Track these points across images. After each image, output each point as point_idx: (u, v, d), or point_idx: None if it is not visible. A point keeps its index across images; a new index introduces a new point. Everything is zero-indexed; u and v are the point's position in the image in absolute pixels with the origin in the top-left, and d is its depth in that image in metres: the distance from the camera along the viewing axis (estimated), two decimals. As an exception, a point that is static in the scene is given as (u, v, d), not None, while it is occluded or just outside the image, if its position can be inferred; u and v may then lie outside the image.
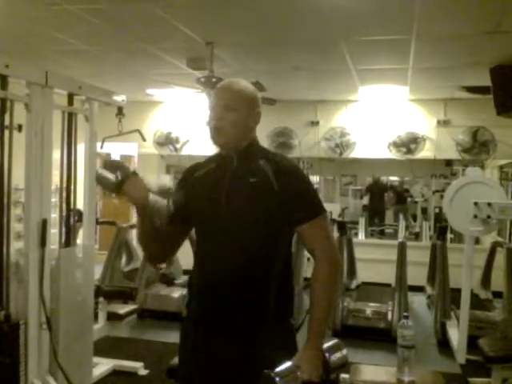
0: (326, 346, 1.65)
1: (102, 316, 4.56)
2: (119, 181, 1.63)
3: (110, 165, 1.68)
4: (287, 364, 1.55)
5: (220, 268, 1.66)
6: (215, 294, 1.67)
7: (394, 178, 12.39)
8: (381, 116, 7.32)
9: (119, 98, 3.91)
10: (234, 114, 1.68)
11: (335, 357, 1.64)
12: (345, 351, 1.70)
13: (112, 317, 4.64)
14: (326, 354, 1.63)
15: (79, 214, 3.76)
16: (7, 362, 2.88)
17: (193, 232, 1.82)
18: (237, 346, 1.64)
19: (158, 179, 8.87)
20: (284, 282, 1.71)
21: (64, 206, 3.45)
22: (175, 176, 9.31)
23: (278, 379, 1.48)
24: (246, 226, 1.65)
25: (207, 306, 1.69)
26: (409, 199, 11.48)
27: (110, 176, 1.63)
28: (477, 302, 5.35)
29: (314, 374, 1.55)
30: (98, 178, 1.68)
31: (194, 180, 1.78)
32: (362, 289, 6.45)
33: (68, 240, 3.44)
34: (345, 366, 1.70)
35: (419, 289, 6.59)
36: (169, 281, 6.19)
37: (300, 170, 1.79)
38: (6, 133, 2.92)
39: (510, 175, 8.04)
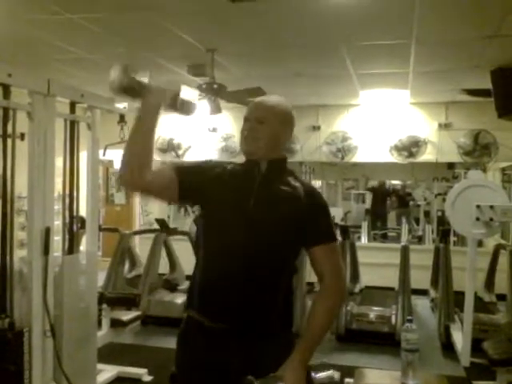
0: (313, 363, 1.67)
1: (105, 323, 4.56)
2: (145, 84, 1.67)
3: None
4: (271, 375, 1.57)
5: (232, 270, 1.64)
6: (221, 300, 1.66)
7: (396, 182, 12.38)
8: (382, 120, 7.32)
9: (121, 106, 3.93)
10: (266, 127, 1.72)
11: (321, 376, 1.70)
12: (336, 375, 1.76)
13: (115, 323, 4.65)
14: (312, 373, 1.66)
15: (82, 221, 3.78)
16: (12, 370, 2.88)
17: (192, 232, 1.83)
18: (238, 354, 1.64)
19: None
20: (288, 293, 1.74)
21: (67, 213, 3.47)
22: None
23: None
24: (269, 234, 1.65)
25: (212, 312, 1.68)
26: (411, 203, 11.46)
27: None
28: (480, 305, 5.33)
29: None
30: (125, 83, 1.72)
31: (217, 175, 1.76)
32: (365, 293, 6.44)
33: (71, 247, 3.45)
34: None
35: (423, 292, 6.57)
36: (172, 287, 6.20)
37: (321, 194, 1.86)
38: (9, 141, 2.94)
39: (512, 177, 8.04)
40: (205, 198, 1.74)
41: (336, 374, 1.78)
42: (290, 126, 1.83)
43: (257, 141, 1.72)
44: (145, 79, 1.67)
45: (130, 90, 1.68)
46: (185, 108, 1.77)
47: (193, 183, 1.75)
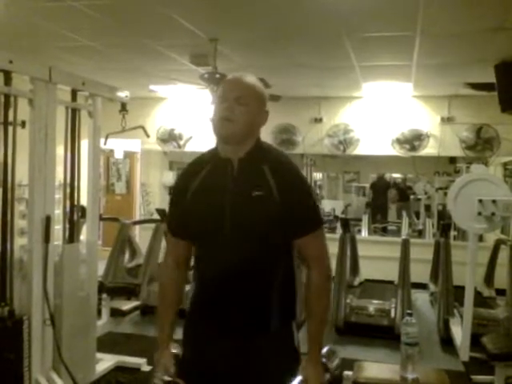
0: (322, 353, 1.71)
1: (105, 312, 4.57)
2: None
3: None
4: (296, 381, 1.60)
5: (221, 281, 1.65)
6: (217, 306, 1.67)
7: (397, 175, 12.37)
8: (384, 113, 7.29)
9: (123, 94, 3.92)
10: (245, 108, 1.62)
11: (333, 363, 1.74)
12: (339, 356, 1.81)
13: (115, 313, 4.66)
14: (326, 362, 1.71)
15: (83, 210, 3.77)
16: (11, 358, 2.89)
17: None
18: (238, 351, 1.65)
19: (162, 176, 8.90)
20: (287, 287, 1.72)
21: (67, 202, 3.46)
22: (178, 173, 9.33)
23: None
24: (249, 241, 1.63)
25: (209, 316, 1.69)
26: (412, 196, 11.47)
27: None
28: (480, 300, 5.33)
29: None
30: None
31: (192, 194, 1.70)
32: (364, 286, 6.44)
33: (71, 236, 3.45)
34: (341, 369, 1.78)
35: (422, 286, 6.58)
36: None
37: (302, 178, 1.76)
38: (10, 129, 2.93)
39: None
40: (188, 220, 1.71)
41: (333, 347, 1.81)
42: (266, 108, 1.72)
43: (234, 124, 1.61)
44: None
45: None
46: None
47: (180, 223, 1.75)
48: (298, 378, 1.60)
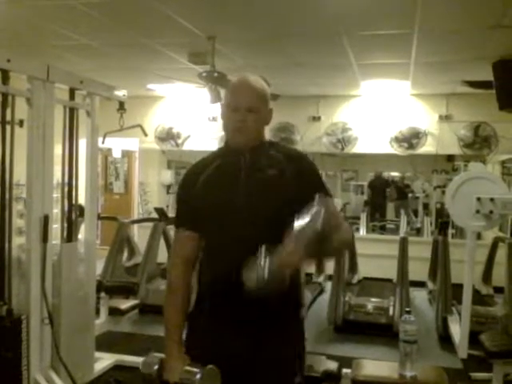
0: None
1: (103, 311, 4.56)
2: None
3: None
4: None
5: (239, 263, 1.59)
6: (231, 290, 1.61)
7: (395, 174, 12.39)
8: (383, 111, 7.30)
9: (120, 93, 3.91)
10: (257, 116, 1.68)
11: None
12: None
13: (114, 312, 4.65)
14: None
15: (81, 209, 3.77)
16: (9, 357, 2.89)
17: None
18: (250, 339, 1.64)
19: (160, 175, 8.89)
20: (297, 273, 1.70)
21: (66, 201, 3.46)
22: (176, 171, 9.33)
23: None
24: (267, 219, 1.63)
25: (223, 301, 1.67)
26: (410, 195, 11.48)
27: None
28: (478, 298, 5.35)
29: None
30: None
31: (202, 183, 1.72)
32: (363, 284, 6.45)
33: (70, 235, 3.44)
34: None
35: (421, 284, 6.58)
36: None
37: (306, 156, 1.81)
38: (8, 128, 2.92)
39: (512, 170, 8.03)
40: (201, 213, 1.71)
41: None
42: (271, 109, 1.77)
43: (248, 132, 1.68)
44: None
45: None
46: None
47: (190, 214, 1.75)
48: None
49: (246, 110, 1.66)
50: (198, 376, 1.54)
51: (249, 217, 1.64)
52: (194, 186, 1.73)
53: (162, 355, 1.69)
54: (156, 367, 1.65)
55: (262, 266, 1.43)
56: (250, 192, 1.66)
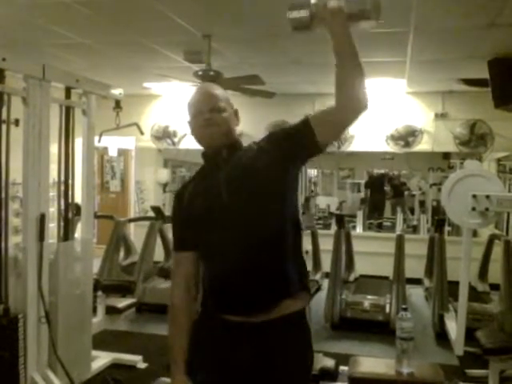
0: None
1: (100, 309, 4.57)
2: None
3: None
4: None
5: (233, 258, 1.61)
6: (230, 288, 1.63)
7: (391, 172, 12.42)
8: (378, 109, 7.29)
9: (117, 92, 3.91)
10: (223, 113, 1.69)
11: None
12: None
13: (110, 310, 4.65)
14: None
15: (77, 208, 3.77)
16: (6, 356, 2.89)
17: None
18: (253, 348, 1.61)
19: (157, 173, 8.88)
20: (299, 258, 1.71)
21: (62, 199, 3.46)
22: (173, 170, 9.32)
23: None
24: (252, 207, 1.61)
25: (223, 301, 1.66)
26: (406, 192, 11.51)
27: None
28: (474, 295, 5.36)
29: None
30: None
31: (188, 196, 1.73)
32: (359, 281, 6.47)
33: (66, 234, 3.44)
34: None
35: (417, 281, 6.60)
36: (167, 275, 6.19)
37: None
38: (3, 127, 2.92)
39: (508, 168, 8.06)
40: (190, 225, 1.72)
41: None
42: (235, 109, 1.79)
43: (217, 124, 1.68)
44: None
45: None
46: None
47: (183, 230, 1.76)
48: None
49: (210, 111, 1.68)
50: None
51: (234, 215, 1.62)
52: (182, 203, 1.75)
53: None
54: None
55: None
56: (230, 190, 1.63)
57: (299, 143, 1.67)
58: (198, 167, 1.83)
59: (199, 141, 1.73)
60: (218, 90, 1.75)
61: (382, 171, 11.96)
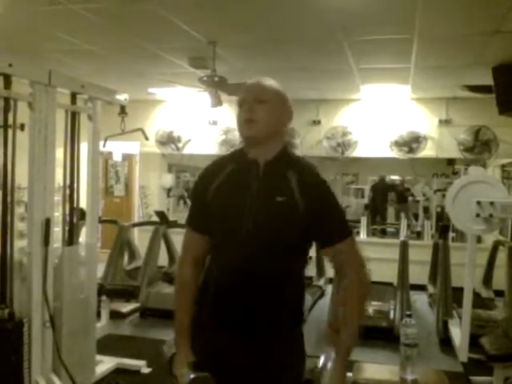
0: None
1: (104, 314, 4.57)
2: None
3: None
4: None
5: (235, 282, 1.64)
6: (231, 307, 1.66)
7: (395, 177, 12.39)
8: (382, 115, 7.31)
9: (122, 97, 3.93)
10: (266, 106, 1.63)
11: None
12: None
13: (114, 315, 4.66)
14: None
15: (82, 212, 3.78)
16: (11, 360, 2.89)
17: None
18: (251, 352, 1.64)
19: (161, 179, 8.91)
20: (298, 291, 1.73)
21: (67, 204, 3.47)
22: (177, 175, 9.34)
23: None
24: (266, 245, 1.62)
25: (222, 317, 1.68)
26: (410, 198, 11.48)
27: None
28: (478, 301, 5.35)
29: None
30: None
31: (214, 190, 1.69)
32: (363, 288, 6.45)
33: (71, 238, 3.45)
34: None
35: (421, 287, 6.59)
36: (171, 279, 6.20)
37: (327, 186, 1.73)
38: (10, 132, 2.93)
39: (512, 174, 8.04)
40: (209, 214, 1.71)
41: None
42: (290, 110, 1.73)
43: (256, 124, 1.62)
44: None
45: None
46: None
47: (200, 217, 1.75)
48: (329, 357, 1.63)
49: (254, 100, 1.63)
50: (190, 377, 1.62)
51: (251, 235, 1.61)
52: (207, 190, 1.71)
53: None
54: (170, 354, 1.77)
55: None
56: (256, 213, 1.62)
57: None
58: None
59: (239, 133, 1.70)
60: (269, 82, 1.70)
61: (388, 178, 11.94)
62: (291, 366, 1.68)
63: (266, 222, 1.61)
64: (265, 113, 1.63)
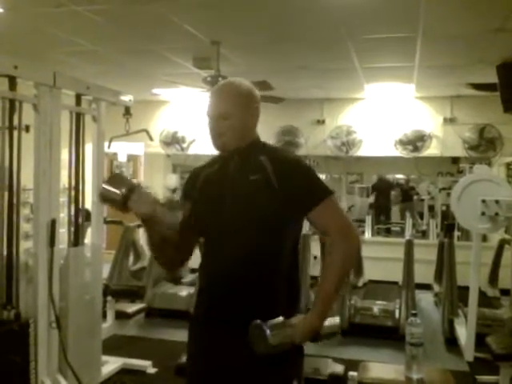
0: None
1: (110, 315, 4.59)
2: (124, 196, 1.59)
3: (114, 180, 1.66)
4: (280, 318, 1.57)
5: (224, 269, 1.67)
6: (220, 295, 1.68)
7: (400, 176, 12.36)
8: (387, 114, 7.30)
9: (126, 98, 3.93)
10: (230, 121, 1.69)
11: (326, 323, 1.65)
12: (337, 319, 1.75)
13: (120, 315, 4.67)
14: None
15: (87, 213, 3.78)
16: (17, 361, 2.90)
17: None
18: (241, 346, 1.62)
19: (165, 179, 8.91)
20: (290, 282, 1.71)
21: (72, 205, 3.48)
22: (182, 175, 9.34)
23: (268, 332, 1.52)
24: (247, 226, 1.65)
25: (213, 306, 1.70)
26: (415, 197, 11.45)
27: (115, 191, 1.60)
28: (484, 300, 5.33)
29: (304, 340, 1.61)
30: (103, 195, 1.64)
31: (201, 183, 1.79)
32: (369, 287, 6.45)
33: (76, 239, 3.46)
34: (335, 334, 1.71)
35: (426, 287, 6.57)
36: (176, 279, 6.22)
37: (299, 160, 1.77)
38: (15, 133, 2.94)
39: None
40: (197, 209, 1.75)
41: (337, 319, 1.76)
42: (255, 109, 1.76)
43: (223, 136, 1.70)
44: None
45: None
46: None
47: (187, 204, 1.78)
48: (281, 318, 1.57)
49: (217, 118, 1.70)
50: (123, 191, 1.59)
51: (234, 218, 1.66)
52: (194, 188, 1.79)
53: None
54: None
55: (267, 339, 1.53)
56: (233, 202, 1.68)
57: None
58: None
59: (212, 143, 1.75)
60: (233, 89, 1.73)
61: (390, 175, 11.90)
62: (284, 358, 1.62)
63: (243, 202, 1.66)
64: (230, 127, 1.70)
